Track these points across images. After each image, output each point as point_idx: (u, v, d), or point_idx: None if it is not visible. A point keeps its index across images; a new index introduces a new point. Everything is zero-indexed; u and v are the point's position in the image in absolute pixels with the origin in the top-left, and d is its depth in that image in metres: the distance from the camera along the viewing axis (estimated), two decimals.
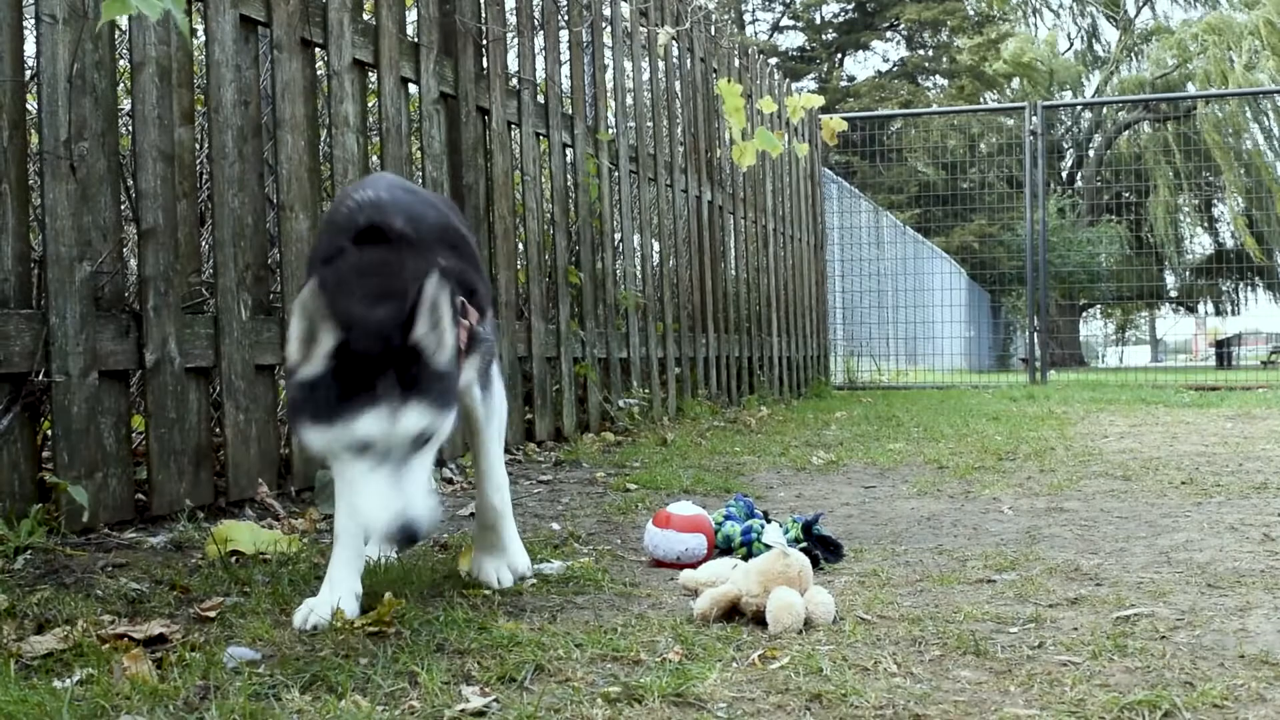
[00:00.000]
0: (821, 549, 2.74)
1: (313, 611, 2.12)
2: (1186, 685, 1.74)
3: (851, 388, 11.76)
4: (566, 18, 5.78)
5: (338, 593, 2.17)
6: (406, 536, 1.88)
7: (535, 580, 2.54)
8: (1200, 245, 36.17)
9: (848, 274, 13.84)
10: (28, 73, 2.95)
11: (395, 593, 2.29)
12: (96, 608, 2.21)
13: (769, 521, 2.87)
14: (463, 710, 1.63)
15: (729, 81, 4.72)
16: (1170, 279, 33.44)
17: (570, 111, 5.82)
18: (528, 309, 5.28)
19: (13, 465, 2.78)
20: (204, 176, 3.66)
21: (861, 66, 51.90)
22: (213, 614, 2.18)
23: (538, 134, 5.47)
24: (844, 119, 6.27)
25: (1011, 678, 1.80)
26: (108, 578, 2.47)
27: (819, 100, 6.14)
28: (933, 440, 5.98)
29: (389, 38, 4.22)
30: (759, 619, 2.15)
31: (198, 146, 3.53)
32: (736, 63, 8.61)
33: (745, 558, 2.58)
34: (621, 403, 6.12)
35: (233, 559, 2.71)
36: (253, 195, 3.55)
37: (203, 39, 3.47)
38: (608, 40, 6.30)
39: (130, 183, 3.26)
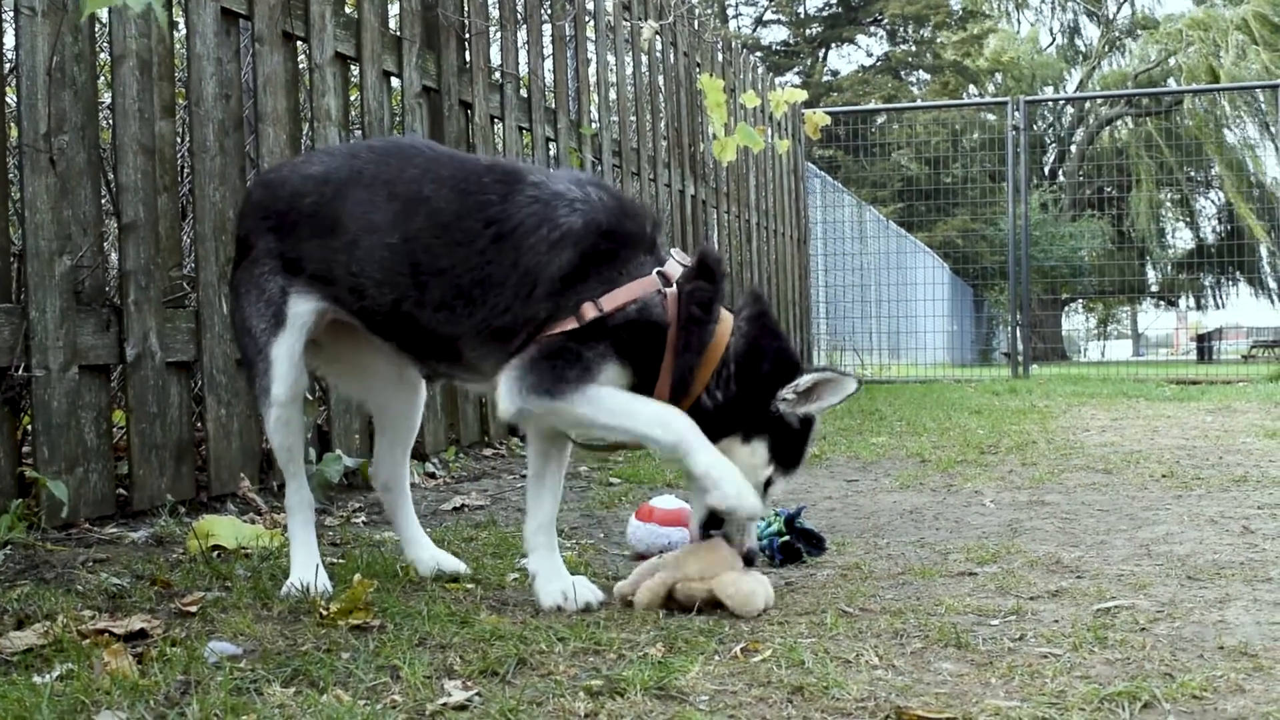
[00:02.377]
0: (804, 542, 2.74)
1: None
2: (1166, 676, 1.75)
3: None
4: (549, 11, 5.77)
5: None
6: (751, 558, 2.33)
7: (518, 575, 2.54)
8: (1182, 240, 36.33)
9: (831, 268, 13.85)
10: (6, 65, 2.93)
11: (379, 587, 2.29)
12: (77, 603, 2.20)
13: None
14: (445, 704, 1.63)
15: (711, 76, 4.72)
16: (1152, 273, 33.58)
17: (553, 105, 5.81)
18: None
19: None
20: (185, 170, 3.64)
21: (845, 61, 52.11)
22: (194, 609, 2.17)
23: (521, 128, 5.46)
24: (827, 114, 6.28)
25: (992, 669, 1.80)
26: (88, 573, 2.46)
27: (802, 95, 6.13)
28: (915, 434, 5.99)
29: (371, 31, 4.21)
30: (701, 606, 2.19)
31: (179, 140, 3.51)
32: (720, 57, 8.61)
33: None
34: None
35: (214, 554, 2.70)
36: (234, 189, 3.53)
37: (183, 32, 3.45)
38: (591, 34, 6.29)
39: (110, 176, 3.24)
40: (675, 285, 2.23)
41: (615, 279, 2.20)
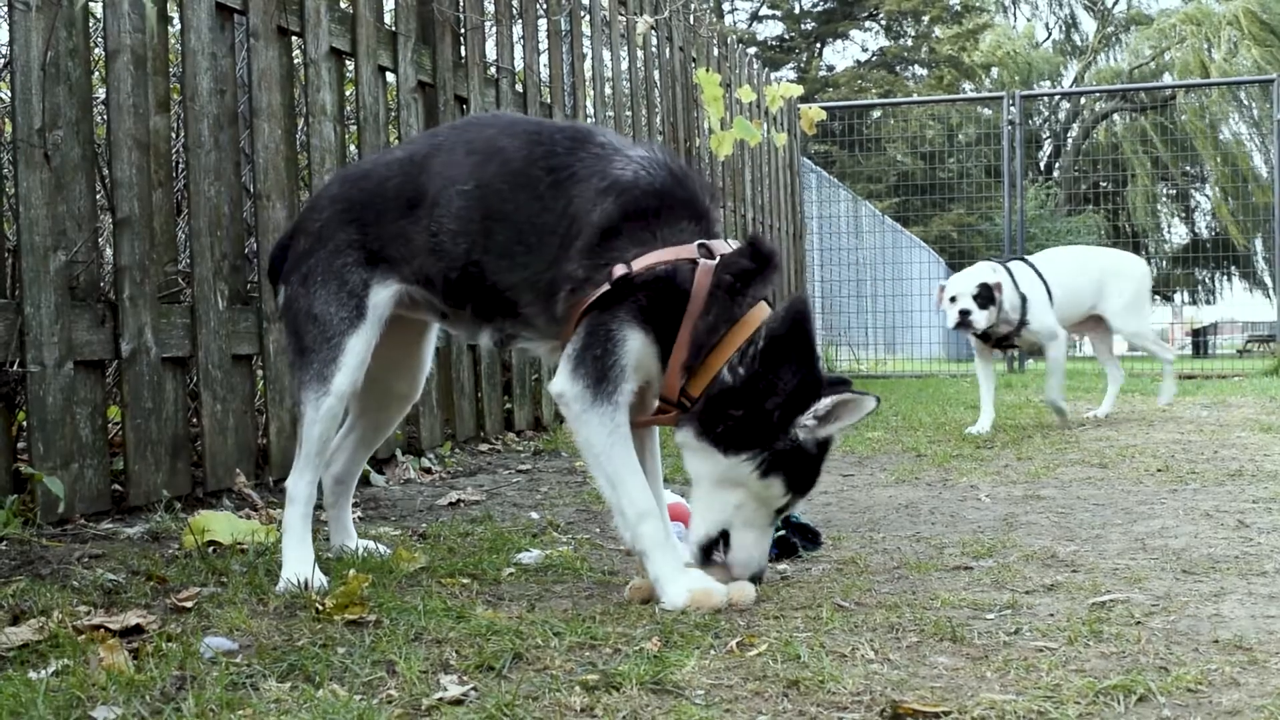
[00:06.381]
0: (800, 537, 2.74)
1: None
2: (1161, 670, 1.75)
3: None
4: (545, 6, 5.76)
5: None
6: (759, 577, 2.26)
7: (513, 569, 2.54)
8: (1177, 235, 36.33)
9: (826, 263, 13.85)
10: (0, 60, 2.92)
11: (375, 581, 2.29)
12: (72, 599, 2.19)
13: None
14: (441, 699, 1.63)
15: (708, 71, 4.72)
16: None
17: (549, 100, 5.81)
18: None
19: None
20: (180, 165, 3.63)
21: (840, 56, 52.08)
22: (189, 604, 2.17)
23: None
24: (823, 109, 6.30)
25: (988, 663, 1.80)
26: (84, 569, 2.46)
27: (798, 90, 6.15)
28: (911, 428, 6.00)
29: (366, 26, 4.20)
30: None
31: (173, 135, 3.50)
32: (715, 52, 8.59)
33: None
34: None
35: (210, 549, 2.70)
36: (229, 184, 3.53)
37: (178, 27, 3.44)
38: (586, 29, 6.28)
39: (105, 172, 3.23)
40: (718, 259, 2.22)
41: (649, 239, 2.21)
